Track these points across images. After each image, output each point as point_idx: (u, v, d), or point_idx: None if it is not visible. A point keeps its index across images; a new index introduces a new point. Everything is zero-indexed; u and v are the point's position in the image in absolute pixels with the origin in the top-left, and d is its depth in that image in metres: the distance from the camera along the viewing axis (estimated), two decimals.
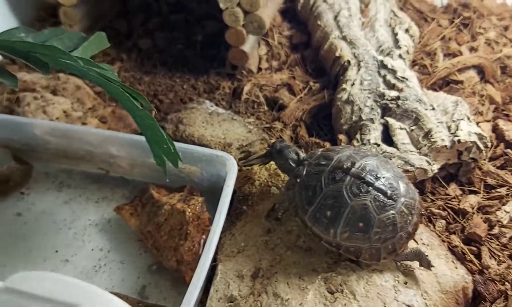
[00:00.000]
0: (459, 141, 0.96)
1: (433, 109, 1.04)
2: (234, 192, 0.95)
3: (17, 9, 1.35)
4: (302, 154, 0.92)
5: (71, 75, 1.22)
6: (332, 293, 0.77)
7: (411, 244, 0.81)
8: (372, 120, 1.05)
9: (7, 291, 0.68)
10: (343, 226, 0.78)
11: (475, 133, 0.98)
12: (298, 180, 0.86)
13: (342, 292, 0.76)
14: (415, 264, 0.80)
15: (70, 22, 1.29)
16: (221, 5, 1.16)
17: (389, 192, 0.78)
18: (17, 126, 1.03)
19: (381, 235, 0.77)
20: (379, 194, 0.78)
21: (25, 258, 0.91)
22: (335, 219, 0.78)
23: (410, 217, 0.79)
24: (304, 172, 0.86)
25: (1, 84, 1.15)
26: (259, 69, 1.33)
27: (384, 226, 0.77)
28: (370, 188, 0.78)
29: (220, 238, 0.87)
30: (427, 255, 0.79)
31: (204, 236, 0.89)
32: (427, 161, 0.96)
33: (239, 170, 0.98)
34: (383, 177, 0.79)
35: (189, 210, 0.88)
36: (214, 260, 0.84)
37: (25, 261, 0.91)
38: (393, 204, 0.78)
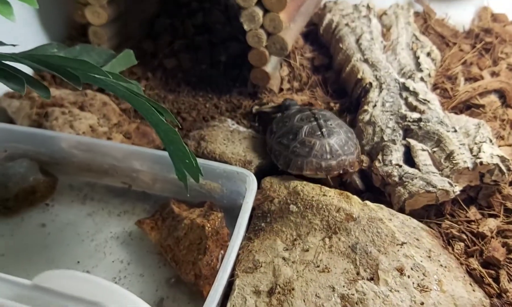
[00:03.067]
0: (481, 163, 0.95)
1: (455, 131, 1.04)
2: (253, 209, 0.96)
3: (49, 28, 1.41)
4: None
5: (98, 92, 1.26)
6: None
7: None
8: (394, 141, 1.05)
9: (35, 289, 0.69)
10: (281, 134, 1.04)
11: (498, 155, 0.98)
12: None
13: None
14: (432, 285, 0.79)
15: (99, 41, 1.34)
16: (245, 27, 1.19)
17: (324, 129, 1.01)
18: (44, 139, 1.07)
19: (298, 150, 1.00)
20: (317, 126, 1.02)
21: (48, 268, 0.91)
22: (279, 129, 1.06)
23: (329, 156, 0.99)
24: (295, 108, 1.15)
25: (31, 98, 1.19)
26: (281, 89, 1.35)
27: (303, 145, 1.00)
28: (314, 121, 1.03)
29: (238, 254, 0.88)
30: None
31: (222, 251, 0.89)
32: (449, 183, 0.95)
33: (259, 188, 0.99)
34: (331, 125, 1.03)
35: (209, 225, 0.90)
36: (232, 275, 0.85)
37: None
38: (320, 137, 1.00)
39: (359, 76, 1.23)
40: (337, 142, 1.00)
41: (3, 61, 0.68)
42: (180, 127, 1.21)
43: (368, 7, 1.47)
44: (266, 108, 1.25)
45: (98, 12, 1.28)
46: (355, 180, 1.06)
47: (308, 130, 1.02)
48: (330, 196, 0.96)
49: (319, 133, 1.01)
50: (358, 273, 0.82)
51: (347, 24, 1.40)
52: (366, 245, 0.86)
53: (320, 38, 1.49)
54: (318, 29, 1.49)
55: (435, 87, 1.30)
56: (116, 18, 1.35)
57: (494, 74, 1.33)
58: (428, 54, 1.29)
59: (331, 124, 1.03)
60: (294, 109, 1.14)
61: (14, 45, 0.78)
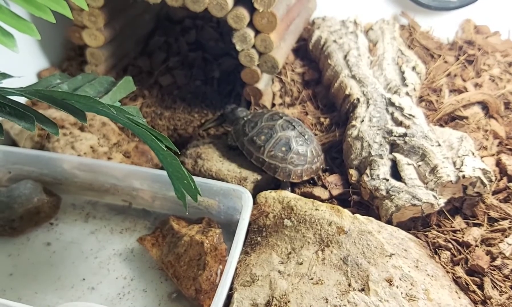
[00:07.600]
0: (463, 176, 1.01)
1: (439, 145, 1.10)
2: (249, 223, 1.01)
3: (49, 50, 1.46)
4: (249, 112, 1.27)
5: None
6: None
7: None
8: (381, 156, 1.11)
9: None
10: (271, 147, 1.10)
11: (479, 168, 1.03)
12: (245, 119, 1.19)
13: None
14: (420, 294, 0.85)
15: (96, 62, 1.38)
16: (238, 47, 1.24)
17: (306, 136, 1.13)
18: (48, 161, 1.11)
19: (296, 161, 1.10)
20: (300, 134, 1.12)
21: (54, 286, 0.98)
22: (266, 142, 1.11)
23: (316, 160, 1.13)
24: (250, 115, 1.20)
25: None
26: (273, 104, 1.40)
27: (298, 155, 1.10)
28: (295, 129, 1.12)
29: (236, 268, 0.93)
30: None
31: (221, 266, 0.94)
32: (434, 196, 1.00)
33: (254, 203, 1.04)
34: (304, 129, 1.14)
35: (207, 241, 0.94)
36: (230, 289, 0.90)
37: (54, 289, 0.97)
38: (308, 144, 1.12)
39: (347, 92, 1.28)
40: (316, 145, 1.15)
41: (8, 97, 0.72)
42: (179, 153, 1.26)
43: (355, 23, 1.52)
44: (210, 123, 1.35)
45: (95, 34, 1.32)
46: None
47: (296, 139, 1.11)
48: (322, 210, 1.01)
49: (305, 140, 1.12)
50: (349, 285, 0.87)
51: (335, 41, 1.45)
52: (357, 257, 0.91)
53: (310, 53, 1.54)
54: (307, 44, 1.54)
55: (421, 100, 1.35)
56: (112, 39, 1.39)
57: (477, 85, 1.39)
58: (413, 68, 1.35)
59: (303, 128, 1.15)
60: (256, 115, 1.19)
61: (19, 77, 0.83)
